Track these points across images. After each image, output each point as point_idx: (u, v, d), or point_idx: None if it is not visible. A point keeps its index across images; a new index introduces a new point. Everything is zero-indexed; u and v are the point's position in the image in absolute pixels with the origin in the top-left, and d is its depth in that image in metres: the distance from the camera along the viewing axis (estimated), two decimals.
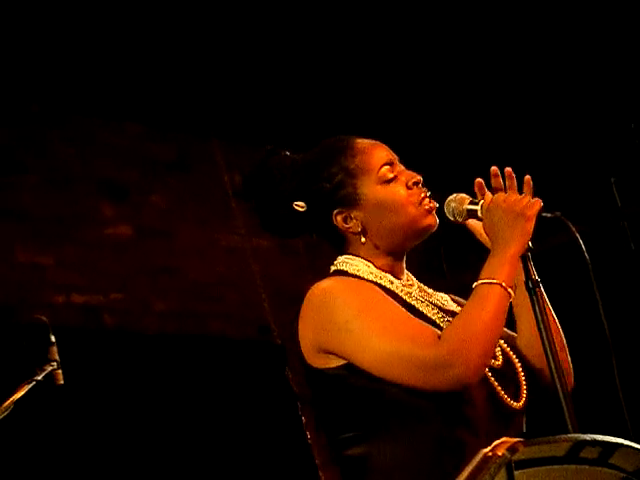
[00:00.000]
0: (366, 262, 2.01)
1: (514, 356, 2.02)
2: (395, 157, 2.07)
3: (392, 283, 2.00)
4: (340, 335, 1.87)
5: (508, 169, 2.02)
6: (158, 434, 4.39)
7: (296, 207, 2.05)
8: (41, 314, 3.11)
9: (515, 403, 1.95)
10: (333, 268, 2.05)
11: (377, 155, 2.05)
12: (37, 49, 4.33)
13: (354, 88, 4.95)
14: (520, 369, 2.00)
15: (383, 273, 2.01)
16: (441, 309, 2.02)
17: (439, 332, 1.87)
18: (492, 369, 1.95)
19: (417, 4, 4.55)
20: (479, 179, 2.05)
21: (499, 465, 1.47)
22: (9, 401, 2.86)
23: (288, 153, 2.15)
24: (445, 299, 2.09)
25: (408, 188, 2.03)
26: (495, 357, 1.98)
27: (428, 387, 1.82)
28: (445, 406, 1.86)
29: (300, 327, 1.94)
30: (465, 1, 4.59)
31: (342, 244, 2.05)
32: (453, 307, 2.06)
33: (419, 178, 2.05)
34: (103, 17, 4.26)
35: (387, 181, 2.02)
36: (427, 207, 2.02)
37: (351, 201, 2.01)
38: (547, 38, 4.84)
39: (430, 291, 2.09)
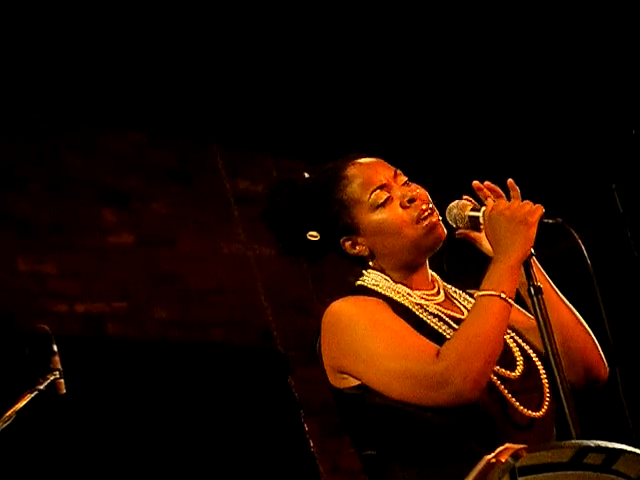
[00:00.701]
0: (385, 276, 2.05)
1: (539, 362, 2.01)
2: (391, 173, 2.07)
3: (409, 296, 2.02)
4: (349, 356, 1.93)
5: (510, 180, 2.02)
6: (161, 442, 4.38)
7: (310, 237, 2.10)
8: (43, 323, 3.11)
9: (534, 412, 1.93)
10: (357, 283, 2.09)
11: (367, 180, 2.05)
12: (39, 58, 4.34)
13: (355, 95, 4.95)
14: (544, 375, 1.99)
15: (400, 286, 2.03)
16: (457, 320, 2.01)
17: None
18: (506, 380, 1.94)
19: (419, 12, 4.55)
20: (465, 197, 2.06)
21: (503, 471, 1.47)
22: (11, 411, 2.85)
23: (307, 175, 2.17)
24: (470, 302, 2.07)
25: (403, 207, 2.03)
26: (512, 367, 1.96)
27: (429, 403, 1.85)
28: (461, 422, 1.87)
29: (321, 349, 2.00)
30: (465, 9, 4.60)
31: (361, 265, 2.10)
32: None
33: (414, 194, 2.04)
34: (104, 25, 4.27)
35: (380, 205, 2.03)
36: (426, 224, 2.02)
37: (352, 229, 2.06)
38: (548, 45, 4.85)
39: (462, 295, 2.10)
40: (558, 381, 1.86)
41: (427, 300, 2.04)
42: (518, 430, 1.91)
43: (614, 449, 1.54)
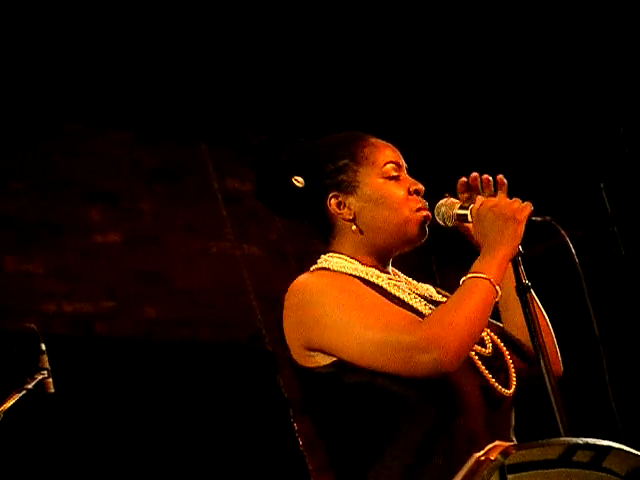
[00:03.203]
0: (350, 260, 2.00)
1: (502, 344, 2.02)
2: (404, 164, 2.08)
3: (378, 277, 1.99)
4: (321, 329, 1.87)
5: (500, 176, 2.02)
6: (150, 441, 4.37)
7: (294, 181, 2.05)
8: (31, 322, 3.10)
9: (506, 390, 1.95)
10: (315, 267, 2.03)
11: (386, 152, 2.06)
12: (25, 57, 4.32)
13: (343, 93, 4.95)
14: (508, 356, 2.00)
15: (368, 268, 2.00)
16: (428, 300, 2.02)
17: (421, 319, 1.88)
18: (482, 357, 1.95)
19: (416, 13, 4.56)
20: (462, 178, 2.05)
21: (492, 469, 1.47)
22: None
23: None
24: (431, 291, 2.08)
25: (408, 193, 2.03)
26: (484, 345, 1.98)
27: (406, 372, 1.81)
28: (438, 396, 1.86)
29: (284, 327, 1.94)
30: (460, 11, 4.61)
31: (329, 232, 2.05)
32: (439, 298, 2.06)
33: (421, 187, 2.05)
34: (90, 24, 4.25)
35: (389, 178, 2.03)
36: (421, 215, 2.01)
37: (349, 187, 2.02)
38: (537, 45, 4.85)
39: (417, 283, 2.09)
40: (546, 377, 1.86)
41: (397, 282, 2.02)
42: (492, 406, 1.92)
43: (602, 446, 1.55)
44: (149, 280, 4.79)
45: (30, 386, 2.93)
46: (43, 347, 2.99)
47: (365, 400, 1.88)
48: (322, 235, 2.06)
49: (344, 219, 2.02)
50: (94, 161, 4.81)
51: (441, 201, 2.04)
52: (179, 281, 4.88)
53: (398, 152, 2.09)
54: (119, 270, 4.72)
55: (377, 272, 2.00)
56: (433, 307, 1.98)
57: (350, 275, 1.96)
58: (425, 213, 2.02)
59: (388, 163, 2.03)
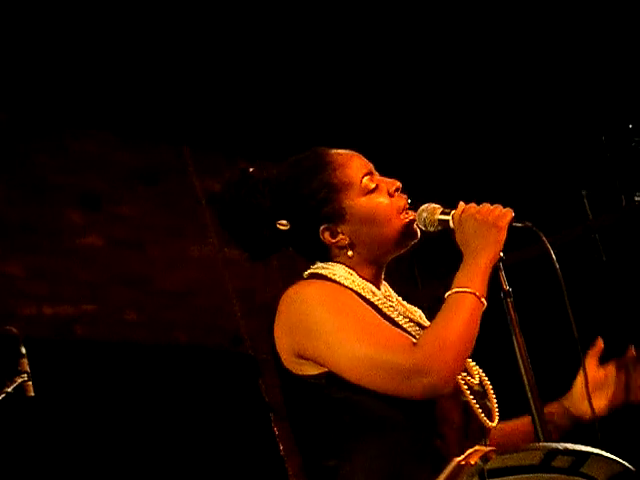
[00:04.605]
0: (349, 270, 1.99)
1: (484, 376, 2.03)
2: (371, 166, 2.06)
3: (374, 294, 1.99)
4: (315, 339, 1.86)
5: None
6: (130, 445, 4.36)
7: (280, 227, 2.03)
8: (11, 325, 3.09)
9: (489, 422, 1.95)
10: (309, 272, 2.03)
11: (356, 166, 2.03)
12: (7, 58, 4.31)
13: (326, 96, 4.96)
14: (491, 389, 2.01)
15: (365, 283, 1.99)
16: (417, 324, 2.01)
17: (414, 340, 1.87)
18: (470, 387, 1.95)
19: (399, 21, 4.57)
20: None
21: (472, 474, 1.48)
22: None
23: (251, 169, 2.11)
24: (420, 314, 2.08)
25: (390, 196, 2.02)
26: (472, 375, 1.98)
27: (401, 393, 1.81)
28: (422, 420, 1.85)
29: (275, 332, 1.93)
30: (442, 20, 4.62)
31: (325, 256, 2.03)
32: (427, 323, 2.05)
33: (399, 185, 2.04)
34: (73, 26, 4.24)
35: (370, 191, 2.01)
36: (408, 217, 2.01)
37: (337, 216, 2.00)
38: (520, 54, 4.88)
39: (406, 304, 2.09)
40: (525, 381, 1.87)
41: (390, 301, 2.02)
42: (474, 437, 1.92)
43: (582, 452, 1.55)
44: (130, 283, 4.78)
45: (10, 389, 2.92)
46: (23, 350, 2.98)
47: (347, 416, 1.87)
48: (315, 260, 2.05)
49: (339, 246, 2.01)
50: (76, 163, 4.79)
51: (422, 206, 2.05)
52: (160, 284, 4.87)
53: (362, 156, 2.07)
54: (100, 273, 4.70)
55: (373, 288, 1.99)
56: (422, 330, 1.97)
57: (347, 287, 1.95)
58: (409, 215, 2.02)
59: (363, 177, 2.02)
